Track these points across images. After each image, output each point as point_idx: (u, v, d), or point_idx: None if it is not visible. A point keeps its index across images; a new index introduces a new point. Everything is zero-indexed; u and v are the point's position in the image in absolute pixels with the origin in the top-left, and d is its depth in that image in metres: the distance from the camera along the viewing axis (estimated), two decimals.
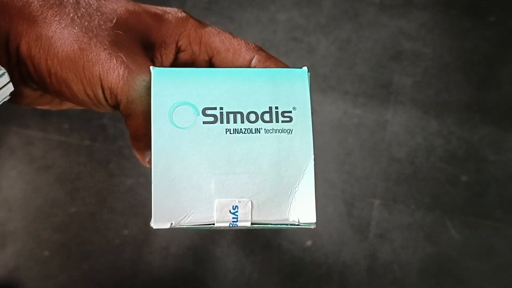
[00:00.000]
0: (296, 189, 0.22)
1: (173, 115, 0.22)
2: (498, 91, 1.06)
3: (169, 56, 0.25)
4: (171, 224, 0.21)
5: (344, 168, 1.01)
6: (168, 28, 0.25)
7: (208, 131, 0.22)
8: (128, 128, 0.25)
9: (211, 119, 0.22)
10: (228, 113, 0.22)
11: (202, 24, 0.25)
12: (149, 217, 0.22)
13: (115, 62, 0.23)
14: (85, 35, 0.23)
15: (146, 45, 0.25)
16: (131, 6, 0.24)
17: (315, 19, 1.09)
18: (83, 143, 1.05)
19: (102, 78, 0.23)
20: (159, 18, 0.25)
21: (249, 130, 0.22)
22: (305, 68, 0.24)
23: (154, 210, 0.21)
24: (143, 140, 0.25)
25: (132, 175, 1.01)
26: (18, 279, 0.97)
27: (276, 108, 0.23)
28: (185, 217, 0.21)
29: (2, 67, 0.22)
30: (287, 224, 0.22)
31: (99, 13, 0.23)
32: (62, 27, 0.23)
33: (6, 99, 0.24)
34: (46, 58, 0.23)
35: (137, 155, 0.27)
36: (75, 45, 0.23)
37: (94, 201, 1.00)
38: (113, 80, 0.23)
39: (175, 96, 0.22)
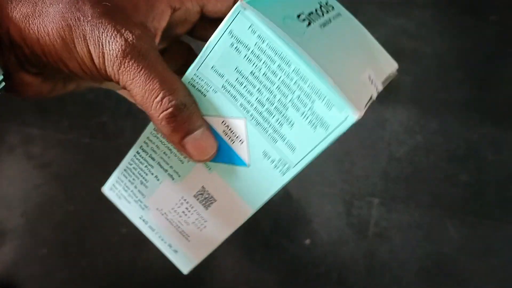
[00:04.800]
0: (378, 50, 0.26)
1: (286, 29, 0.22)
2: (498, 91, 1.06)
3: (165, 18, 0.25)
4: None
5: (343, 167, 1.01)
6: None
7: (317, 32, 0.23)
8: (139, 98, 0.23)
9: (307, 22, 0.23)
10: (309, 13, 0.23)
11: None
12: None
13: (104, 34, 0.22)
14: (69, 11, 0.22)
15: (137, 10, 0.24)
16: None
17: None
18: (82, 140, 1.05)
19: (92, 52, 0.22)
20: None
21: (329, 19, 0.24)
22: None
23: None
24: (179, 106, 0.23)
25: None
26: (17, 277, 0.97)
27: (320, 3, 0.25)
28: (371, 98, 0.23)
29: None
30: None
31: None
32: (47, 5, 0.23)
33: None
34: (37, 38, 0.23)
35: (166, 130, 0.23)
36: (62, 22, 0.22)
37: (92, 199, 0.99)
38: (106, 52, 0.22)
39: (278, 12, 0.22)
